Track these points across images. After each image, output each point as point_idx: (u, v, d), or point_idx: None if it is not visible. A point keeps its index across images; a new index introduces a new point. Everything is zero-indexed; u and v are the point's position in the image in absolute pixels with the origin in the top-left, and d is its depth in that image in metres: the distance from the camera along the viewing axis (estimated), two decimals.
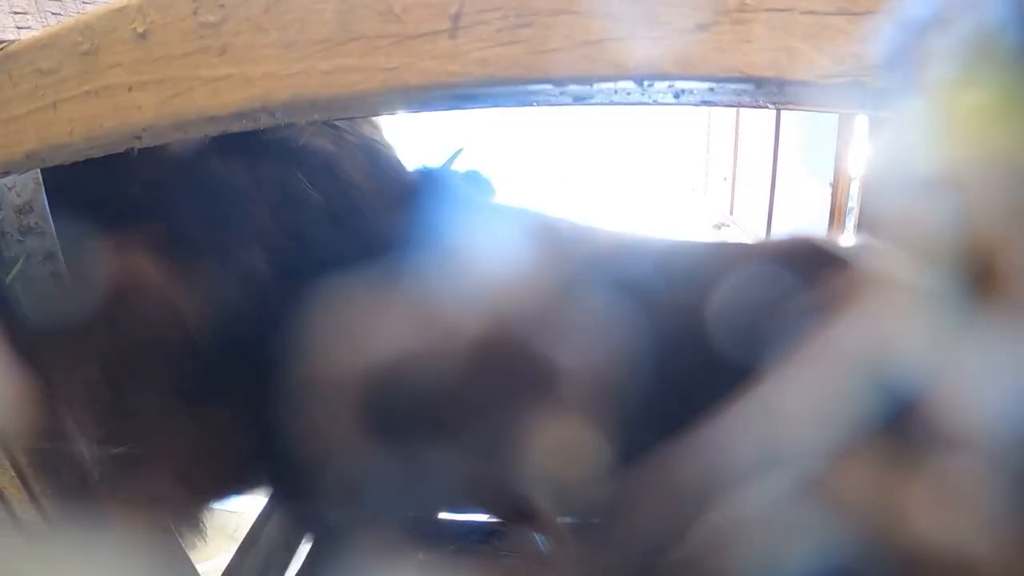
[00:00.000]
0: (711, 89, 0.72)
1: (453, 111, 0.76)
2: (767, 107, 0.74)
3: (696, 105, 0.88)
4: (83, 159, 1.00)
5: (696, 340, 1.22)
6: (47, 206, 1.26)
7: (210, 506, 1.31)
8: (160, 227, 0.97)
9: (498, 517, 1.86)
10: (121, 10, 0.83)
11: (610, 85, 0.73)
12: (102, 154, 1.07)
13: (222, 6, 0.80)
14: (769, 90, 0.71)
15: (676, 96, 0.72)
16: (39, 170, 1.20)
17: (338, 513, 1.37)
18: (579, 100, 0.74)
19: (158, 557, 1.33)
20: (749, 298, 1.29)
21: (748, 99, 0.72)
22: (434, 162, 1.59)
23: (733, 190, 4.57)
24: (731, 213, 4.67)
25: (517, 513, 1.81)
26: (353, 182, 1.10)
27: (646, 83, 0.71)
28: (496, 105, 0.76)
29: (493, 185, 1.63)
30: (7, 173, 1.04)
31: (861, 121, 3.04)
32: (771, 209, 3.92)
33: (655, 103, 0.73)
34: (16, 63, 0.94)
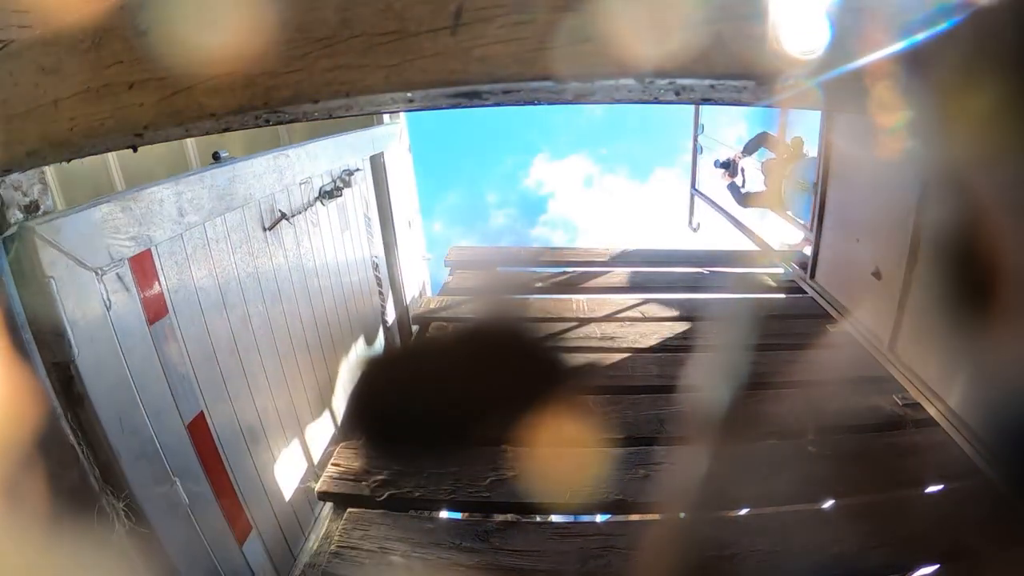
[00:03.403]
0: (712, 86, 0.72)
1: (455, 108, 0.76)
2: (767, 105, 0.74)
3: (697, 103, 0.88)
4: (85, 157, 1.00)
5: None
6: (54, 205, 1.27)
7: None
8: None
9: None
10: (123, 8, 0.83)
11: (611, 82, 0.74)
12: (104, 152, 1.07)
13: (224, 5, 0.80)
14: (770, 88, 0.72)
15: (677, 93, 0.72)
16: (44, 169, 1.20)
17: None
18: (580, 97, 0.74)
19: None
20: None
21: (749, 96, 0.73)
22: None
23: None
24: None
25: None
26: None
27: (647, 80, 0.71)
28: (497, 103, 0.76)
29: None
30: (9, 171, 1.04)
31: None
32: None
33: (656, 100, 0.74)
34: (18, 61, 0.94)
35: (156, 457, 1.48)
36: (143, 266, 1.51)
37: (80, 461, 1.28)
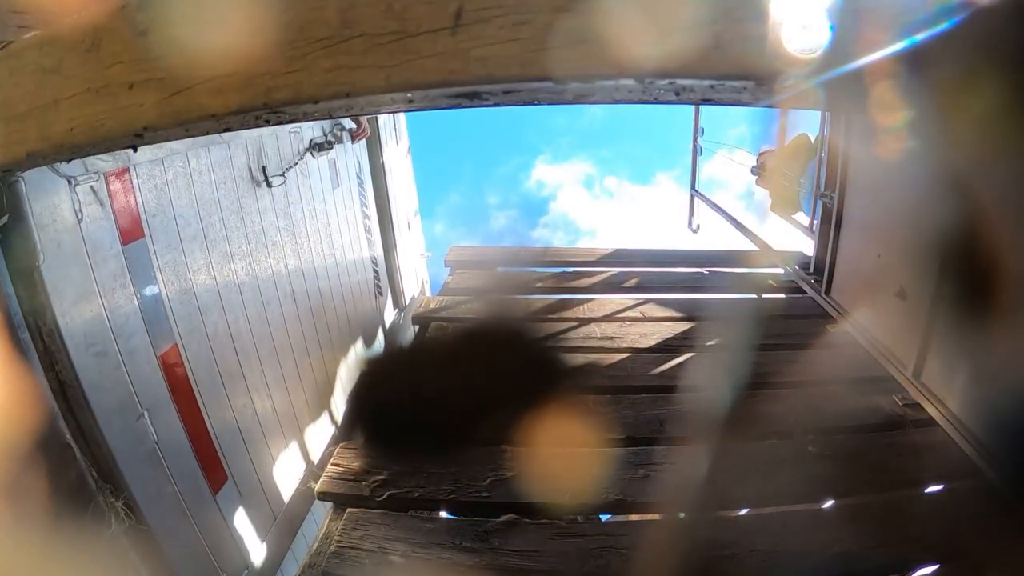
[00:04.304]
0: (712, 87, 0.72)
1: (455, 109, 0.76)
2: (767, 105, 0.74)
3: (697, 103, 0.89)
4: (86, 157, 1.00)
5: None
6: None
7: None
8: None
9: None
10: (123, 8, 0.83)
11: (611, 83, 0.74)
12: (104, 152, 1.07)
13: (224, 5, 0.80)
14: (770, 88, 0.72)
15: (677, 93, 0.72)
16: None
17: None
18: (580, 98, 0.74)
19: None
20: None
21: (749, 97, 0.73)
22: None
23: None
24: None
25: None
26: None
27: (647, 80, 0.71)
28: (497, 103, 0.76)
29: None
30: (10, 171, 1.04)
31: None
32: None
33: (656, 101, 0.74)
34: (18, 61, 0.94)
35: (123, 385, 1.44)
36: (120, 183, 1.49)
37: (77, 459, 1.27)
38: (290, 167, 2.35)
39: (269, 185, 2.21)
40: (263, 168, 2.17)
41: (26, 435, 1.15)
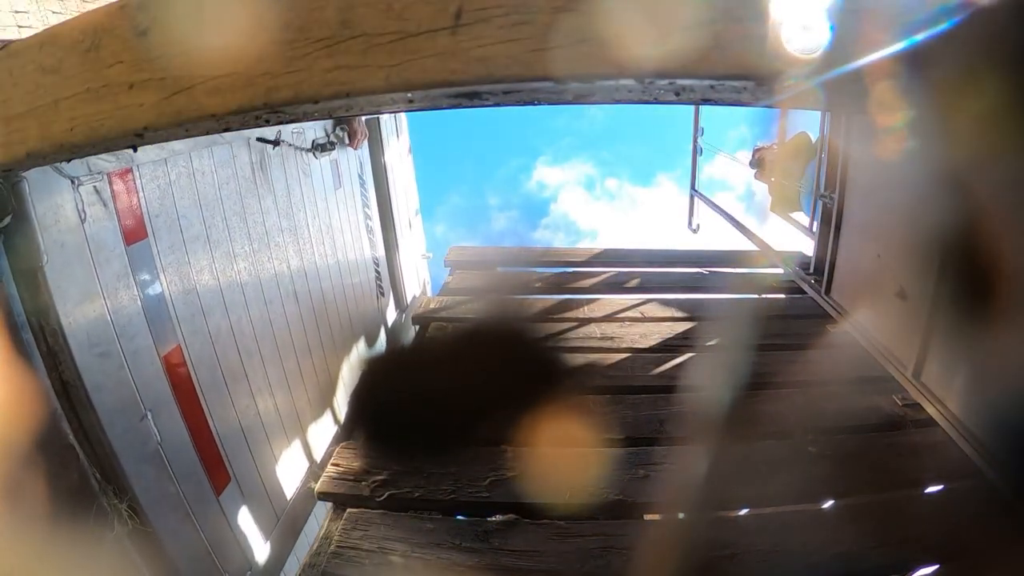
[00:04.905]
0: (712, 87, 0.72)
1: (455, 108, 0.76)
2: (767, 105, 0.74)
3: (697, 103, 0.89)
4: (86, 157, 1.00)
5: None
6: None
7: None
8: None
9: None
10: (123, 8, 0.84)
11: (611, 83, 0.74)
12: (104, 152, 1.07)
13: (224, 6, 0.80)
14: (770, 88, 0.72)
15: (677, 93, 0.72)
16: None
17: None
18: (580, 98, 0.74)
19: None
20: None
21: (748, 97, 0.73)
22: None
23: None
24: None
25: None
26: None
27: (647, 80, 0.71)
28: (498, 103, 0.76)
29: None
30: (10, 170, 1.04)
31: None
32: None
33: (656, 101, 0.74)
34: (18, 61, 0.94)
35: (126, 386, 1.44)
36: (123, 184, 1.49)
37: (80, 461, 1.27)
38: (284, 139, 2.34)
39: (277, 143, 2.18)
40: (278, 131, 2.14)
41: (29, 436, 1.15)
